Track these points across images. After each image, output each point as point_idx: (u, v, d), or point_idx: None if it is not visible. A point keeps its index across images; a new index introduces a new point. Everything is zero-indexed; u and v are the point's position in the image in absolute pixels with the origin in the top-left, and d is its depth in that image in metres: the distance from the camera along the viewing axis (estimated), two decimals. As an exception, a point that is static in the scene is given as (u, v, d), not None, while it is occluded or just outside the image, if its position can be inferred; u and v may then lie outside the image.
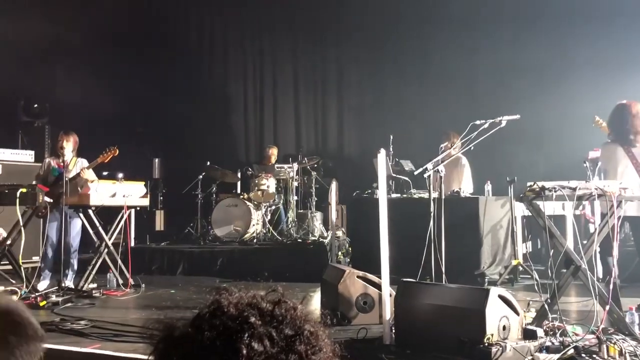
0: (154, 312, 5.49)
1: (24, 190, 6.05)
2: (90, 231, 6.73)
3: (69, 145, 6.67)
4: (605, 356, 3.57)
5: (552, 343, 3.84)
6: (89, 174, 6.62)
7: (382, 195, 4.40)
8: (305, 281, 6.86)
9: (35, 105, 9.49)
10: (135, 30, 10.75)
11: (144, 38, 10.87)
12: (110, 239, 6.71)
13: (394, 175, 7.64)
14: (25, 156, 8.24)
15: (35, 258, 7.30)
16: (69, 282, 6.48)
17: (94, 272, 6.58)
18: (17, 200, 5.95)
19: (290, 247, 8.41)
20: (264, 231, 8.95)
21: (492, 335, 3.69)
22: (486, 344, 3.63)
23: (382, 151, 4.50)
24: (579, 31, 8.88)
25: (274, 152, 10.02)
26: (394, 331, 4.18)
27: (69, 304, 5.76)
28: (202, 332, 0.99)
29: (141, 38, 10.83)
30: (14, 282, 6.55)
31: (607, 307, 4.07)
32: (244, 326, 0.99)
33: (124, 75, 10.56)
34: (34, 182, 6.52)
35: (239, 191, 9.77)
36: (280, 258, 7.98)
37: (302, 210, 9.45)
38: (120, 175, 7.06)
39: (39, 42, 9.89)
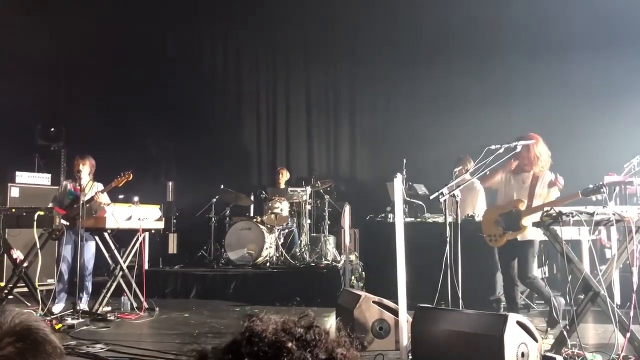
0: (169, 336, 5.49)
1: (42, 213, 6.11)
2: (106, 254, 6.77)
3: (85, 169, 6.73)
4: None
5: (572, 371, 3.80)
6: (104, 198, 6.67)
7: (398, 219, 4.40)
8: (319, 305, 6.83)
9: (52, 129, 9.61)
10: (149, 55, 10.91)
11: (158, 62, 11.02)
12: (124, 261, 6.74)
13: (408, 199, 7.63)
14: (42, 179, 8.34)
15: (51, 280, 7.34)
16: (83, 305, 6.50)
17: (108, 295, 6.61)
18: (35, 222, 6.00)
19: (304, 271, 8.38)
20: (277, 255, 8.94)
21: (510, 362, 3.65)
22: (505, 371, 3.59)
23: (399, 176, 4.52)
24: (589, 56, 8.91)
25: (283, 174, 10.01)
26: (410, 357, 4.15)
27: (84, 327, 5.78)
28: (240, 358, 1.00)
29: (155, 62, 10.98)
30: (29, 304, 6.58)
31: (628, 335, 4.01)
32: (282, 351, 1.00)
33: (139, 99, 10.70)
34: (50, 205, 6.59)
35: (252, 214, 9.79)
36: (293, 282, 7.95)
37: (315, 234, 9.44)
38: (136, 198, 7.11)
39: (56, 66, 10.08)
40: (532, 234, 5.39)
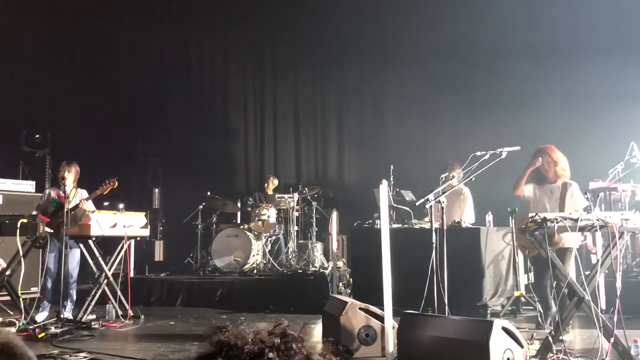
0: (154, 345, 5.43)
1: (25, 220, 6.04)
2: (90, 262, 6.69)
3: (70, 176, 6.67)
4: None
5: (557, 376, 3.80)
6: (88, 205, 6.61)
7: (384, 226, 4.40)
8: (306, 312, 6.80)
9: (37, 136, 9.53)
10: (136, 62, 10.87)
11: (146, 68, 10.98)
12: (110, 269, 6.67)
13: (395, 205, 7.63)
14: (26, 186, 8.24)
15: (34, 289, 7.24)
16: (67, 313, 6.42)
17: (93, 303, 6.53)
18: (18, 230, 5.92)
19: (291, 277, 8.35)
20: (264, 262, 8.90)
21: (496, 368, 3.65)
22: (491, 378, 3.58)
23: (384, 182, 4.52)
24: (577, 62, 8.99)
25: (272, 182, 9.98)
26: (396, 364, 4.14)
27: (68, 336, 5.70)
28: None
29: (143, 68, 10.94)
30: (12, 313, 6.50)
31: (612, 340, 4.03)
32: None
33: (124, 105, 10.65)
34: (34, 212, 6.51)
35: (239, 221, 9.75)
36: (280, 289, 7.92)
37: (302, 241, 9.41)
38: (121, 205, 7.05)
39: (41, 73, 10.00)
40: (568, 241, 5.23)
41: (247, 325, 1.10)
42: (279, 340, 1.05)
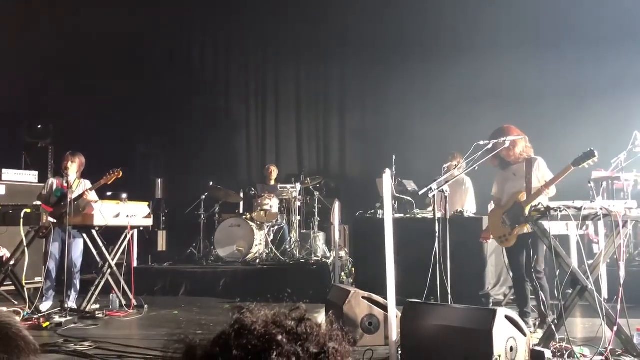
0: (158, 334, 5.45)
1: (28, 210, 6.04)
2: (94, 251, 6.72)
3: (73, 166, 6.67)
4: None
5: (560, 364, 3.81)
6: (92, 196, 6.62)
7: (387, 215, 4.40)
8: (309, 301, 6.82)
9: (39, 126, 9.53)
10: (139, 51, 10.84)
11: (147, 58, 10.96)
12: (113, 259, 6.69)
13: (397, 195, 7.63)
14: (29, 177, 8.25)
15: (38, 279, 7.27)
16: (71, 303, 6.46)
17: (96, 292, 6.56)
18: (21, 220, 5.93)
19: (293, 267, 8.38)
20: (267, 251, 8.92)
21: (499, 356, 3.66)
22: (494, 366, 3.60)
23: (387, 171, 4.51)
24: (578, 53, 8.95)
25: (273, 171, 9.97)
26: (400, 352, 4.15)
27: (72, 325, 5.73)
28: (229, 351, 0.99)
29: (144, 58, 10.92)
30: (16, 303, 6.52)
31: (615, 328, 4.04)
32: (272, 344, 0.99)
33: (127, 95, 10.62)
34: (37, 202, 6.51)
35: (241, 211, 9.76)
36: (283, 278, 7.93)
37: (305, 231, 9.44)
38: (124, 195, 7.06)
39: (43, 63, 9.98)
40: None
41: (269, 308, 1.08)
42: (293, 324, 1.04)
